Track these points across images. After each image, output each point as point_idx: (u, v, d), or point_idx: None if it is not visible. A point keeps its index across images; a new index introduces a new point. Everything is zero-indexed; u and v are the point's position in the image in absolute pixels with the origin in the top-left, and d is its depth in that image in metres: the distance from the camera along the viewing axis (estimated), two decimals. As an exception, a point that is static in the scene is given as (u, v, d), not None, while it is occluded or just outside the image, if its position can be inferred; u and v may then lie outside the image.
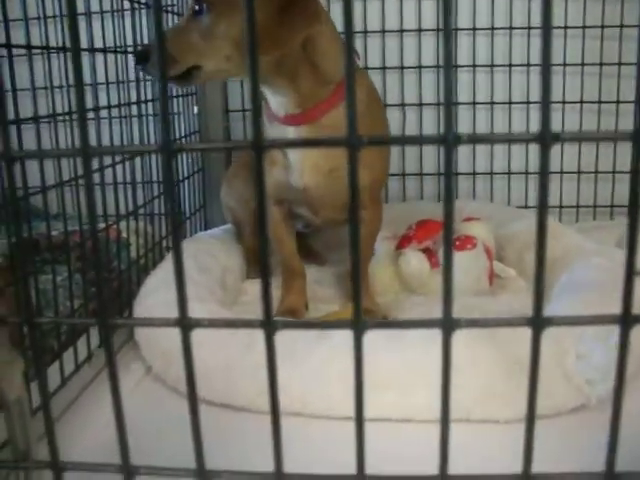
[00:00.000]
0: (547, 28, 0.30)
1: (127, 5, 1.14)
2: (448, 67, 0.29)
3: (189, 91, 1.56)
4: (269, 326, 0.32)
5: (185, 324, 0.33)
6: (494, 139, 0.31)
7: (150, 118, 1.24)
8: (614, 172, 1.66)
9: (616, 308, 0.98)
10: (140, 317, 0.32)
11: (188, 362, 0.34)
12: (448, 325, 0.32)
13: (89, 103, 0.91)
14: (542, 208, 0.31)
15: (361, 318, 0.32)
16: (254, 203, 1.26)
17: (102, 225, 1.06)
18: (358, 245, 0.31)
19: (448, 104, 0.29)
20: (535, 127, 1.68)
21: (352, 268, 0.30)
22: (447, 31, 0.29)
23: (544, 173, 0.30)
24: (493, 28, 1.63)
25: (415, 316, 1.15)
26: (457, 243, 1.20)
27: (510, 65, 1.65)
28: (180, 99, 1.50)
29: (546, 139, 0.30)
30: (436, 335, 0.33)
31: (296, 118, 1.07)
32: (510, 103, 1.67)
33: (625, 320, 0.32)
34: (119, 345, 1.06)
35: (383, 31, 1.66)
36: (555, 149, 1.65)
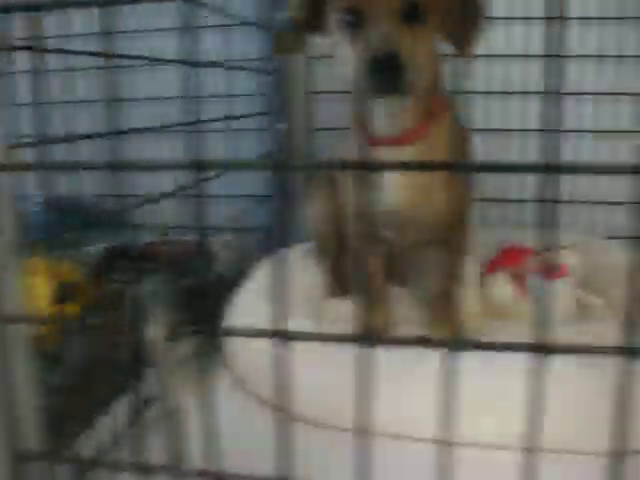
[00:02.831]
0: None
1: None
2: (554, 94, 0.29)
3: (276, 107, 1.57)
4: (367, 341, 0.32)
5: (282, 336, 0.34)
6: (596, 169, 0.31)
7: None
8: None
9: None
10: (235, 327, 0.33)
11: (282, 374, 0.34)
12: (543, 349, 0.32)
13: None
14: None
15: (459, 337, 0.32)
16: (338, 219, 1.28)
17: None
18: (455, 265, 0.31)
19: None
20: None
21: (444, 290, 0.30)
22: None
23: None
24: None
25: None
26: (547, 271, 1.18)
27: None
28: (267, 115, 1.51)
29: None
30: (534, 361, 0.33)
31: (407, 136, 1.06)
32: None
33: None
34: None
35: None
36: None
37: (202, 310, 1.12)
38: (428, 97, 1.04)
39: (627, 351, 0.31)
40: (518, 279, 1.22)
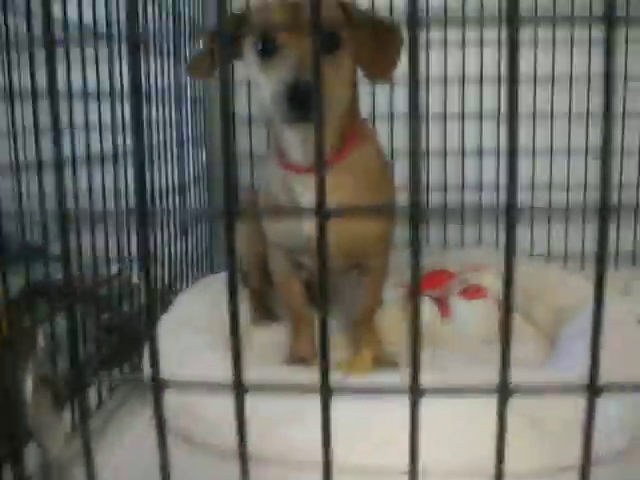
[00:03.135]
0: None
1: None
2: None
3: (198, 134, 1.57)
4: (326, 391, 0.32)
5: (240, 389, 0.33)
6: (554, 209, 0.32)
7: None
8: (619, 220, 1.68)
9: (632, 350, 0.98)
10: (191, 381, 0.31)
11: (241, 426, 0.33)
12: (505, 392, 0.32)
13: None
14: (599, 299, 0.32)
15: (418, 385, 0.32)
16: (260, 248, 1.28)
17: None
18: (418, 332, 0.31)
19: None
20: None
21: (412, 344, 0.30)
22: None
23: (603, 249, 0.31)
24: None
25: (424, 365, 1.15)
26: (467, 293, 1.21)
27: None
28: (188, 143, 1.51)
29: (605, 209, 0.30)
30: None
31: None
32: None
33: None
34: (130, 389, 1.06)
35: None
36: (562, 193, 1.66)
37: (121, 346, 1.09)
38: (344, 124, 1.06)
39: (587, 389, 0.31)
40: (440, 301, 1.25)
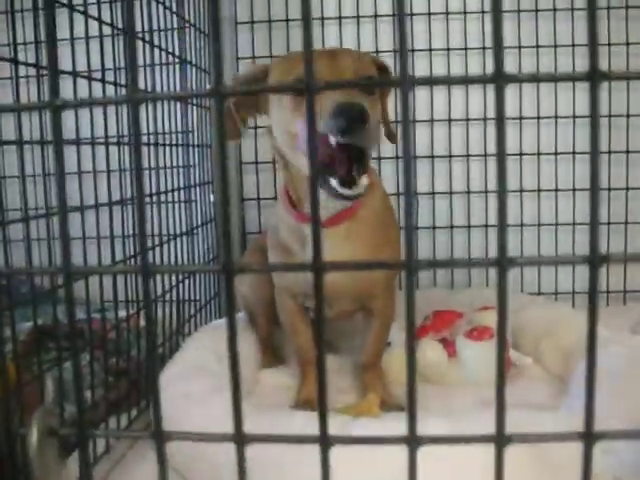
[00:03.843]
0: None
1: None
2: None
3: (206, 179, 1.59)
4: (325, 442, 0.32)
5: (240, 440, 0.33)
6: (545, 261, 0.32)
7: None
8: (626, 259, 1.68)
9: (637, 395, 0.97)
10: (193, 432, 0.32)
11: (242, 476, 0.34)
12: (500, 441, 0.33)
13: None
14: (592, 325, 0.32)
15: (415, 435, 0.32)
16: (267, 291, 1.29)
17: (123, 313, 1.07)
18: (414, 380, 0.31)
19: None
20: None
21: (409, 396, 0.31)
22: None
23: (593, 291, 0.31)
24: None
25: (432, 407, 1.14)
26: (474, 334, 1.21)
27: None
28: (197, 187, 1.53)
29: (594, 261, 0.31)
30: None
31: (340, 215, 1.08)
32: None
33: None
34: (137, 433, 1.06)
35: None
36: (568, 236, 1.68)
37: (130, 390, 1.09)
38: None
39: (583, 436, 0.32)
40: (447, 342, 1.25)
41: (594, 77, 0.31)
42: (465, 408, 1.11)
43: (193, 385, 1.04)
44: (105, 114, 1.00)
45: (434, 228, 1.74)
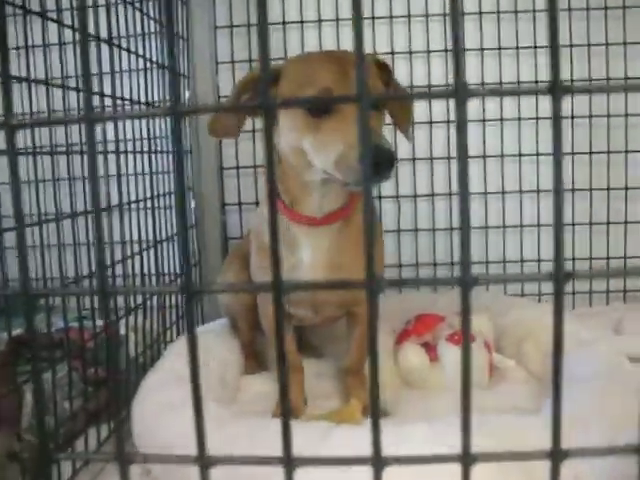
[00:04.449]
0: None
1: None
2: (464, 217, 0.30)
3: (185, 185, 1.58)
4: (289, 464, 0.32)
5: (204, 462, 0.33)
6: (510, 279, 0.32)
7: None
8: (608, 258, 1.69)
9: (618, 400, 0.97)
10: (156, 454, 0.32)
11: (206, 499, 0.33)
12: (467, 460, 0.32)
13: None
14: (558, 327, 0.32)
15: (380, 456, 0.32)
16: (249, 297, 1.28)
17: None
18: (376, 384, 0.31)
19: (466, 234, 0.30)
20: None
21: (372, 416, 0.31)
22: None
23: (559, 308, 0.31)
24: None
25: (415, 411, 1.14)
26: (456, 337, 1.21)
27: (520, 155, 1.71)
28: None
29: (559, 278, 0.31)
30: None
31: (335, 214, 1.08)
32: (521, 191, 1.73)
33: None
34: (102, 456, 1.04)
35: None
36: (549, 234, 1.68)
37: (109, 401, 1.08)
38: None
39: (550, 455, 0.31)
40: (428, 346, 1.24)
41: (555, 90, 0.30)
42: (446, 412, 1.11)
43: (173, 394, 1.03)
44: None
45: (399, 231, 1.75)
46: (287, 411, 0.32)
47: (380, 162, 0.85)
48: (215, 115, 1.06)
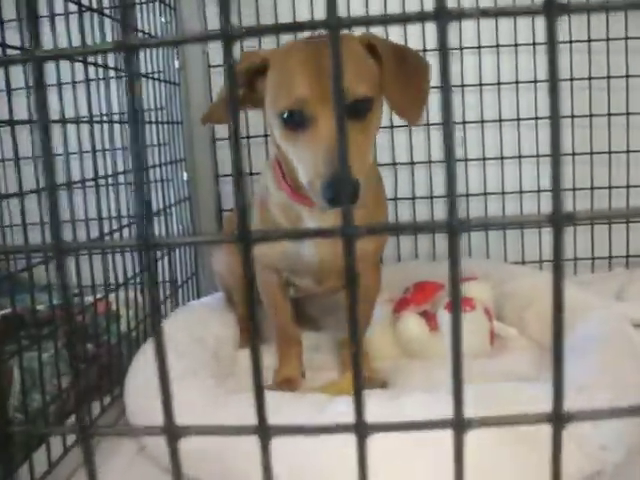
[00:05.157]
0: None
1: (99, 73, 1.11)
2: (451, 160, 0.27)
3: (178, 157, 1.54)
4: (264, 433, 0.29)
5: (172, 432, 0.30)
6: (505, 222, 0.29)
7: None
8: (610, 223, 1.66)
9: (623, 365, 0.94)
10: (125, 426, 0.29)
11: (176, 470, 0.31)
12: (460, 426, 0.29)
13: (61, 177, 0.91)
14: (558, 295, 0.29)
15: (364, 422, 0.29)
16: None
17: (91, 298, 1.04)
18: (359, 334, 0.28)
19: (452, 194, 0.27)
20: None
21: (355, 382, 0.28)
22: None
23: (558, 260, 0.28)
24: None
25: (415, 381, 1.12)
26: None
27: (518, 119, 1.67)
28: (169, 166, 1.49)
29: (559, 221, 0.27)
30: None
31: None
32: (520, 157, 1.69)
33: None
34: (112, 420, 1.02)
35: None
36: (548, 197, 1.65)
37: (101, 377, 1.06)
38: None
39: (551, 418, 0.29)
40: (428, 315, 1.22)
41: (550, 10, 0.27)
42: (447, 382, 1.09)
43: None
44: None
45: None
46: (259, 375, 0.29)
47: (340, 193, 0.81)
48: (210, 108, 1.05)
